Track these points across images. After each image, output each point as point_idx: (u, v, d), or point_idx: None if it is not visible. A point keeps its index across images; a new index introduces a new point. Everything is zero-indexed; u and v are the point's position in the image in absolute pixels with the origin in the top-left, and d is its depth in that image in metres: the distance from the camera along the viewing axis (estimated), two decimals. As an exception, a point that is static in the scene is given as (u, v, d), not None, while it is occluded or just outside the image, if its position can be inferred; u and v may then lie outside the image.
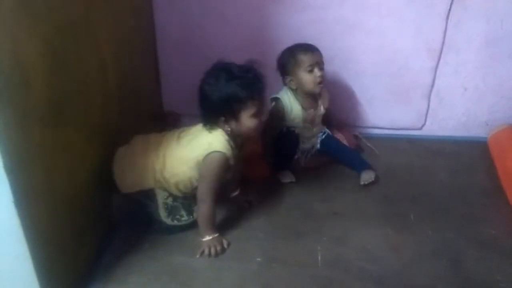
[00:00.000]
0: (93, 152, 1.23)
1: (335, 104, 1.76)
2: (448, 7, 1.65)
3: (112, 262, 1.25)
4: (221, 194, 1.33)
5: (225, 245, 1.30)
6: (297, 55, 1.52)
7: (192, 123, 1.36)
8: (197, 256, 1.27)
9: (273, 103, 1.60)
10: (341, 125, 1.83)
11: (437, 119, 1.89)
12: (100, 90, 1.26)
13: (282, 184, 1.59)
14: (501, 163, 1.66)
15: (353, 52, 1.76)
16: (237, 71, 1.24)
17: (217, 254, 1.28)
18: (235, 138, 1.30)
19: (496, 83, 1.78)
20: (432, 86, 1.81)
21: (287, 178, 1.60)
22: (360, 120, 1.90)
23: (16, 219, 0.90)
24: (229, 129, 1.27)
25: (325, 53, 1.55)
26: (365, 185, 1.57)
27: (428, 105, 1.85)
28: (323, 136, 1.70)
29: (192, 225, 1.32)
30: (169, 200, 1.32)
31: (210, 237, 1.29)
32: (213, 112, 1.26)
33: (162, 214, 1.31)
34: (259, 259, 1.27)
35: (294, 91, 1.57)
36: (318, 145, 1.70)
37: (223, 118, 1.26)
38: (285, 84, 1.58)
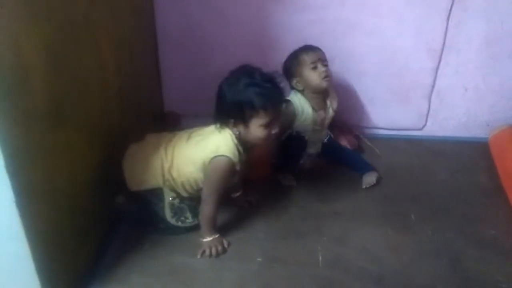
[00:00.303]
0: (93, 152, 1.23)
1: (336, 104, 1.76)
2: (449, 8, 1.65)
3: (113, 262, 1.25)
4: (225, 196, 1.33)
5: (226, 246, 1.30)
6: (299, 56, 1.52)
7: (193, 123, 1.36)
8: (198, 257, 1.27)
9: (284, 105, 1.59)
10: (342, 125, 1.82)
11: (438, 119, 1.88)
12: (100, 90, 1.26)
13: (283, 185, 1.60)
14: (501, 163, 1.66)
15: (354, 52, 1.76)
16: (259, 78, 1.22)
17: (217, 255, 1.28)
18: (244, 142, 1.28)
19: (496, 83, 1.78)
20: (433, 86, 1.81)
21: (288, 181, 1.60)
22: (361, 120, 1.90)
23: (17, 219, 0.90)
24: (237, 132, 1.26)
25: (325, 54, 1.54)
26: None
27: (429, 106, 1.85)
28: (325, 140, 1.70)
29: (196, 227, 1.32)
30: (176, 201, 1.32)
31: (211, 238, 1.29)
32: (224, 111, 1.25)
33: (168, 215, 1.31)
34: (259, 259, 1.27)
35: (302, 92, 1.56)
36: (320, 148, 1.69)
37: (232, 121, 1.25)
38: (292, 87, 1.57)
